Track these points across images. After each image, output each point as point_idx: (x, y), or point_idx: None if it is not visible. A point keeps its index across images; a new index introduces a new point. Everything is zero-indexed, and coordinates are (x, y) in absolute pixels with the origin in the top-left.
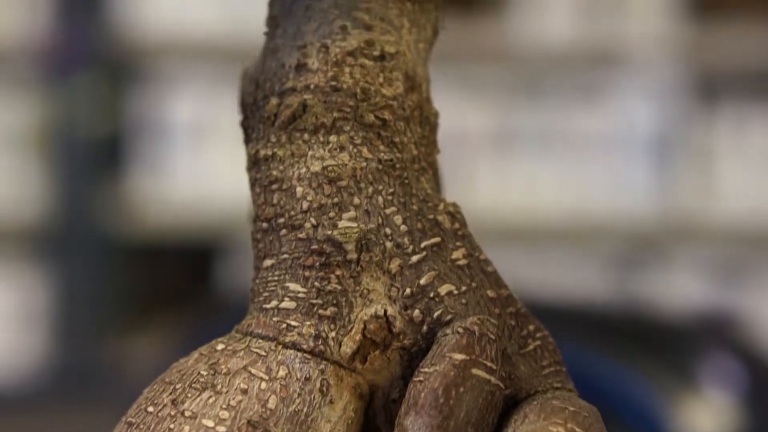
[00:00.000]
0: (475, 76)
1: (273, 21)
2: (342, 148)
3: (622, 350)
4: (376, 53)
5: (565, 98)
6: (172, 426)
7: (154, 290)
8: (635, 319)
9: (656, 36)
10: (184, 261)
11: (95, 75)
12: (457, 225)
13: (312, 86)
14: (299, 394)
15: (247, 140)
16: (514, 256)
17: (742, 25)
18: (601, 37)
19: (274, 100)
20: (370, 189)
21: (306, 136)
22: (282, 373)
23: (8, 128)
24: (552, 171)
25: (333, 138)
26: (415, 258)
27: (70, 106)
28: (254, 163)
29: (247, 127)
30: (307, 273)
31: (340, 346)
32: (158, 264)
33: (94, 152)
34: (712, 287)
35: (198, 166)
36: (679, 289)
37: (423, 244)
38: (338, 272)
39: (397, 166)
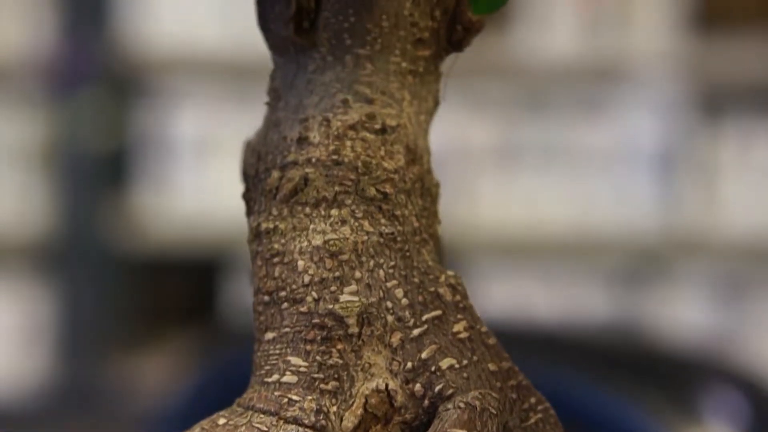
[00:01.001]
0: (480, 90)
1: (275, 93)
2: (343, 222)
3: (624, 381)
4: (378, 126)
5: (568, 113)
6: None
7: (158, 305)
8: (637, 348)
9: (660, 51)
10: (189, 276)
11: (100, 91)
12: (458, 297)
13: (313, 160)
14: None
15: (249, 212)
16: (517, 270)
17: (746, 40)
18: (605, 52)
19: (275, 173)
20: (372, 262)
21: (307, 209)
22: None
23: (13, 144)
24: (555, 185)
25: (334, 212)
26: (416, 331)
27: (74, 122)
28: (256, 236)
29: (249, 199)
30: (308, 347)
31: (341, 420)
32: (162, 279)
33: (98, 168)
34: (715, 304)
35: (202, 182)
36: (683, 306)
37: (424, 317)
38: (340, 346)
39: (399, 239)
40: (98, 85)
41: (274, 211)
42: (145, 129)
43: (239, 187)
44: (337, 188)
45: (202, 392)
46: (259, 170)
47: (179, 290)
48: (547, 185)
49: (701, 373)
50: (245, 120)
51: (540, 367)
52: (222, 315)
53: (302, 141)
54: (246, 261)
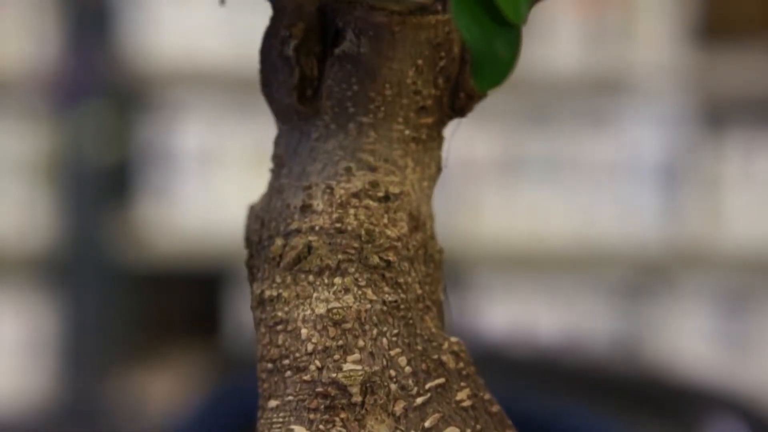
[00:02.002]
0: (483, 102)
1: (278, 159)
2: (347, 290)
3: (626, 410)
4: (381, 194)
5: (572, 125)
6: None
7: (162, 317)
8: (640, 376)
9: (663, 64)
10: (192, 289)
11: (103, 104)
12: (461, 364)
13: (317, 228)
14: None
15: (252, 279)
16: (520, 282)
17: (749, 52)
18: (609, 64)
19: (279, 241)
20: (375, 331)
21: (311, 277)
22: None
23: (17, 156)
24: (559, 198)
25: (338, 280)
26: (419, 400)
27: (78, 135)
28: (259, 303)
29: (252, 266)
30: (311, 416)
31: None
32: (166, 292)
33: (102, 180)
34: (718, 316)
35: (205, 194)
36: (686, 319)
37: (427, 386)
38: (343, 415)
39: (402, 307)
40: (102, 98)
41: (278, 279)
42: (149, 141)
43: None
44: (340, 256)
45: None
46: (262, 237)
47: (183, 303)
48: (551, 197)
49: (705, 403)
50: (248, 132)
51: (541, 396)
52: (226, 328)
53: (306, 209)
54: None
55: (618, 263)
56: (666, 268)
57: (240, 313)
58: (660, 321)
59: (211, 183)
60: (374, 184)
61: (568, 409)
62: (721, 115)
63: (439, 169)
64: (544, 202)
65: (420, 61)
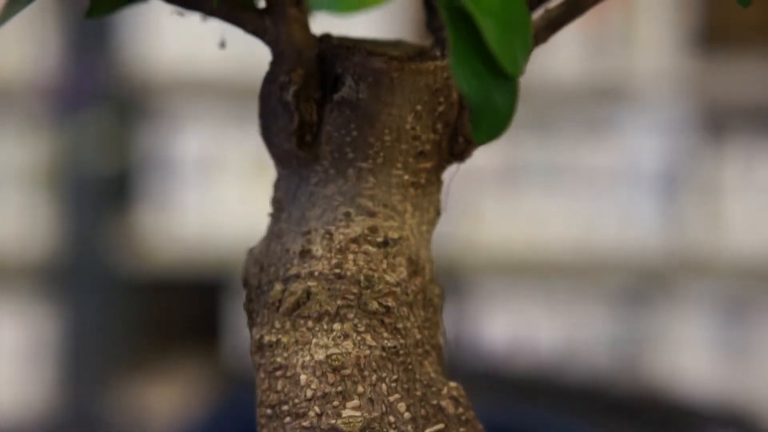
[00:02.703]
0: None
1: (278, 204)
2: (346, 336)
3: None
4: (380, 239)
5: (572, 133)
6: None
7: (162, 325)
8: (641, 398)
9: (663, 71)
10: (192, 296)
11: (103, 112)
12: (460, 409)
13: (316, 273)
14: None
15: (251, 324)
16: (520, 290)
17: (749, 60)
18: (608, 72)
19: (278, 286)
20: (374, 377)
21: (310, 323)
22: None
23: (17, 165)
24: (559, 205)
25: (337, 326)
26: None
27: (78, 143)
28: (258, 349)
29: (251, 310)
30: None
31: None
32: (166, 299)
33: (102, 189)
34: (719, 323)
35: (205, 202)
36: (686, 327)
37: (427, 431)
38: None
39: (401, 352)
40: (102, 107)
41: (277, 324)
42: (149, 150)
43: (243, 207)
44: (339, 302)
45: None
46: (261, 282)
47: (183, 310)
48: (551, 205)
49: (704, 421)
50: (248, 141)
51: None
52: (226, 336)
53: (305, 254)
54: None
55: (618, 270)
56: (666, 276)
57: (240, 320)
58: (660, 328)
59: (211, 191)
60: (373, 230)
61: (567, 426)
62: (721, 122)
63: (438, 213)
64: (544, 209)
65: (419, 107)
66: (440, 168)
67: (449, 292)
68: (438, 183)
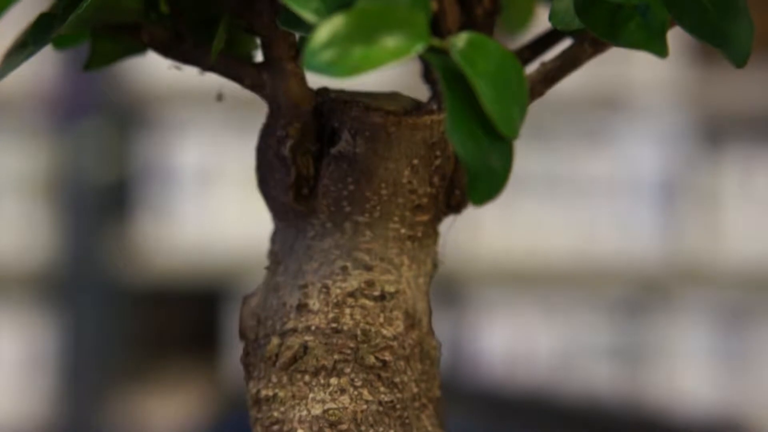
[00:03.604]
0: None
1: (274, 257)
2: (343, 391)
3: None
4: (377, 293)
5: (570, 142)
6: None
7: (160, 335)
8: (642, 421)
9: (661, 80)
10: (191, 306)
11: (102, 121)
12: None
13: (313, 327)
14: None
15: (248, 377)
16: (519, 299)
17: (747, 69)
18: (607, 81)
19: (275, 340)
20: (371, 431)
21: (307, 377)
22: None
23: (16, 174)
24: (558, 215)
25: (334, 380)
26: None
27: (77, 153)
28: (255, 403)
29: (248, 364)
30: None
31: None
32: (165, 309)
33: (100, 198)
34: (717, 332)
35: (204, 211)
36: (685, 335)
37: None
38: None
39: (398, 406)
40: (101, 116)
41: (274, 379)
42: (148, 159)
43: (242, 217)
44: (336, 357)
45: None
46: (258, 335)
47: (182, 320)
48: (550, 214)
49: None
50: (247, 150)
51: None
52: (224, 345)
53: (302, 308)
54: (249, 290)
55: (617, 279)
56: (665, 285)
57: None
58: (659, 337)
59: (210, 200)
60: (370, 283)
61: None
62: (720, 131)
63: (435, 265)
64: (543, 218)
65: (416, 161)
66: (437, 220)
67: (448, 301)
68: (435, 235)
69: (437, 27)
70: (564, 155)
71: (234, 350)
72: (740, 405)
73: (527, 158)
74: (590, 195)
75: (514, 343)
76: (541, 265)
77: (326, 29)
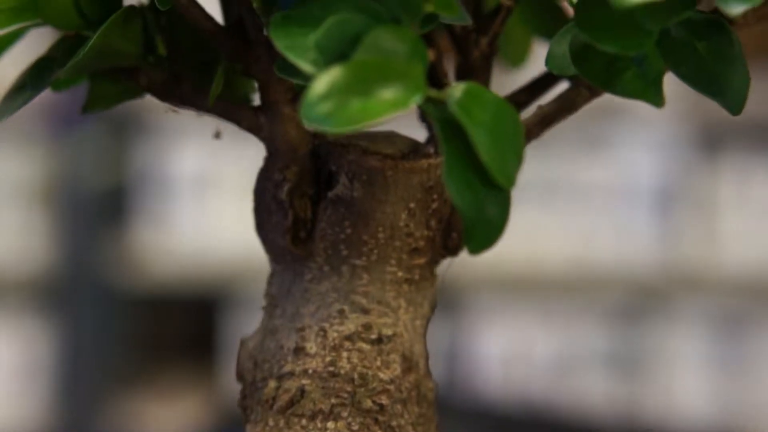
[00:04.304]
0: None
1: (272, 299)
2: None
3: None
4: (374, 336)
5: (568, 149)
6: None
7: (158, 342)
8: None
9: None
10: (189, 313)
11: (99, 128)
12: None
13: (310, 371)
14: None
15: (246, 420)
16: (516, 306)
17: None
18: None
19: (272, 383)
20: None
21: (304, 421)
22: None
23: (14, 181)
24: (556, 221)
25: (331, 424)
26: None
27: (74, 159)
28: None
29: (245, 407)
30: None
31: None
32: (162, 316)
33: (98, 205)
34: (715, 339)
35: (202, 218)
36: (682, 342)
37: None
38: None
39: None
40: (98, 123)
41: (271, 422)
42: (145, 166)
43: (239, 224)
44: (333, 401)
45: None
46: (256, 378)
47: (179, 327)
48: (547, 221)
49: None
50: (244, 157)
51: None
52: (222, 352)
53: (299, 351)
54: (247, 298)
55: (614, 286)
56: (662, 292)
57: (236, 336)
58: (656, 344)
59: (208, 207)
60: (367, 327)
61: None
62: (717, 138)
63: (432, 307)
64: (540, 225)
65: (413, 204)
66: (434, 263)
67: (445, 308)
68: (432, 278)
69: (434, 73)
70: (562, 162)
71: (231, 357)
72: (738, 412)
73: (525, 165)
74: (588, 202)
75: (511, 350)
76: (539, 271)
77: (324, 81)
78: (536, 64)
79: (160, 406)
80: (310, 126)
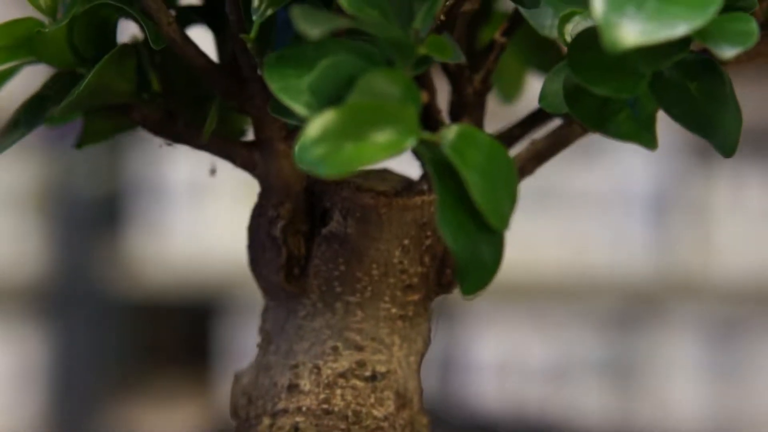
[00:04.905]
0: None
1: (266, 335)
2: None
3: None
4: (368, 374)
5: (562, 155)
6: None
7: (152, 349)
8: None
9: None
10: (183, 319)
11: None
12: None
13: (304, 408)
14: None
15: None
16: (510, 312)
17: (738, 83)
18: None
19: (266, 420)
20: None
21: None
22: None
23: (8, 188)
24: (550, 228)
25: None
26: None
27: (68, 166)
28: None
29: None
30: None
31: None
32: (157, 322)
33: (92, 211)
34: (709, 346)
35: (196, 225)
36: (677, 349)
37: None
38: None
39: None
40: None
41: None
42: (139, 173)
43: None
44: None
45: None
46: (250, 414)
47: (174, 334)
48: (541, 227)
49: None
50: None
51: None
52: (216, 358)
53: (293, 388)
54: (242, 305)
55: (609, 293)
56: (657, 299)
57: (230, 343)
58: (651, 351)
59: (202, 214)
60: (361, 364)
61: None
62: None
63: (426, 344)
64: (534, 231)
65: (406, 241)
66: (428, 299)
67: (438, 315)
68: (426, 314)
69: (428, 112)
70: (556, 169)
71: (226, 364)
72: (733, 419)
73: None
74: (582, 208)
75: (505, 357)
76: (533, 278)
77: (318, 124)
78: (530, 95)
79: (154, 412)
80: (304, 169)
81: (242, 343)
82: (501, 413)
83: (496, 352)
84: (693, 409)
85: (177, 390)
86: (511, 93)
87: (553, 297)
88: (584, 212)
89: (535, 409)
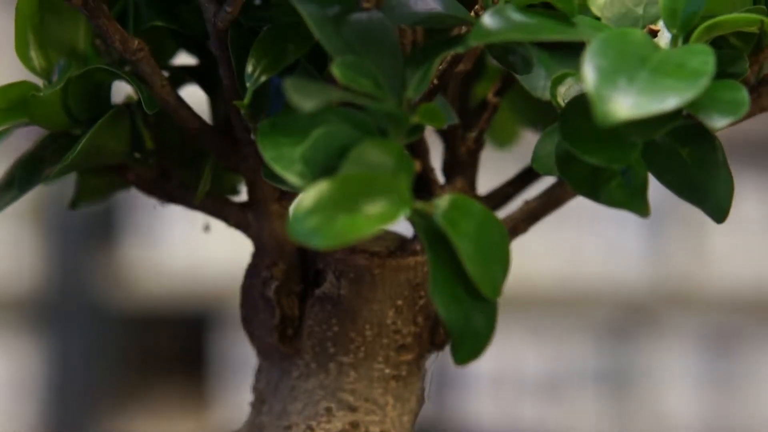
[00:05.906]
0: None
1: (259, 396)
2: None
3: None
4: None
5: None
6: None
7: (147, 359)
8: None
9: None
10: (178, 330)
11: None
12: None
13: None
14: None
15: None
16: (505, 323)
17: None
18: None
19: None
20: None
21: None
22: None
23: None
24: (544, 238)
25: None
26: None
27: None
28: None
29: None
30: None
31: None
32: (152, 333)
33: (87, 222)
34: (704, 356)
35: (191, 236)
36: (672, 360)
37: None
38: None
39: None
40: None
41: None
42: None
43: (228, 242)
44: None
45: None
46: None
47: (169, 344)
48: (536, 238)
49: None
50: None
51: None
52: (211, 369)
53: None
54: (237, 316)
55: (604, 304)
56: (651, 309)
57: (225, 353)
58: (645, 362)
59: (197, 225)
60: (355, 425)
61: None
62: None
63: (420, 403)
64: (529, 242)
65: (400, 302)
66: (421, 359)
67: None
68: (419, 372)
69: (421, 173)
70: (550, 179)
71: (221, 375)
72: (728, 429)
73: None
74: (577, 219)
75: (500, 369)
76: (528, 288)
77: (311, 196)
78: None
79: (149, 422)
80: (298, 241)
81: (237, 355)
82: (496, 426)
83: (491, 364)
84: (689, 420)
85: (172, 401)
86: (504, 141)
87: (549, 308)
88: (579, 223)
89: (530, 421)
